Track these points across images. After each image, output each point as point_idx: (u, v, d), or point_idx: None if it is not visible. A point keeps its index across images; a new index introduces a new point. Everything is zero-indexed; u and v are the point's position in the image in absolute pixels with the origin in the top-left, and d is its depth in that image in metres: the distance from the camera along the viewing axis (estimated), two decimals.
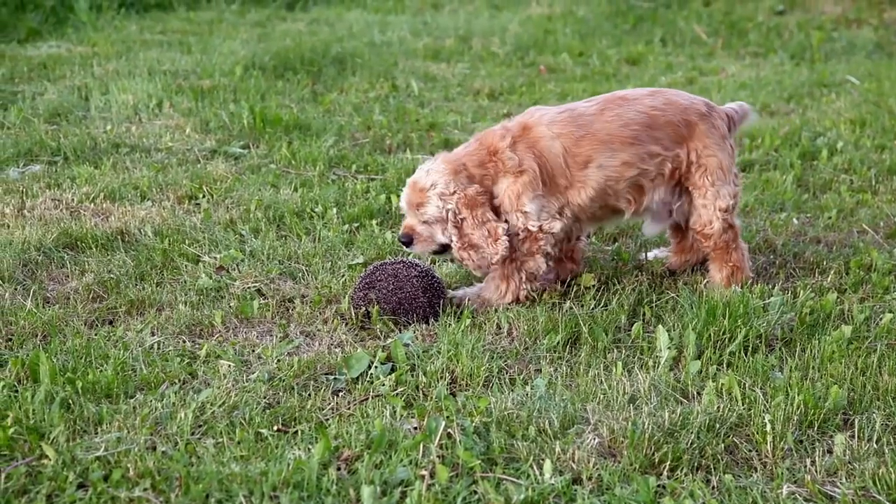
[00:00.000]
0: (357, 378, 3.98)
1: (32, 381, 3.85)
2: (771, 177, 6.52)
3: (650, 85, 9.51)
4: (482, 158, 4.62)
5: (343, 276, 4.90)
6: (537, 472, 3.32)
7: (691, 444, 3.47)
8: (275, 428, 3.59)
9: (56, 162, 6.60)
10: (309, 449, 3.44)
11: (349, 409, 3.77)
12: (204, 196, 5.99)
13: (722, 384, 3.85)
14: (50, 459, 3.33)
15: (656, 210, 4.83)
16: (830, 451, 3.52)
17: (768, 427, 3.53)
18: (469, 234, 4.55)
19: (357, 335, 4.38)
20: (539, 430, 3.55)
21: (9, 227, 5.39)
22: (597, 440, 3.51)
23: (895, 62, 10.48)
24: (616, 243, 5.49)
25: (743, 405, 3.72)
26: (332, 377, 4.00)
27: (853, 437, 3.57)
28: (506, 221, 4.60)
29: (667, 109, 4.70)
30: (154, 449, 3.43)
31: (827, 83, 9.35)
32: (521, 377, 4.01)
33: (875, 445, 3.52)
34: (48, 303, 4.62)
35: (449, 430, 3.51)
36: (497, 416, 3.62)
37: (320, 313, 4.56)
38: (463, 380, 3.99)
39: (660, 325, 4.26)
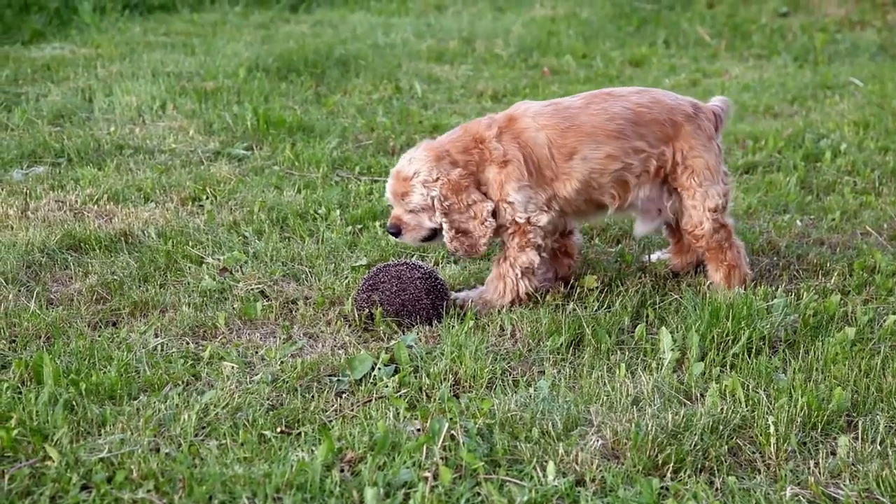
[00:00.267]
0: (360, 380, 3.98)
1: (36, 383, 3.86)
2: (774, 178, 6.52)
3: (654, 87, 9.50)
4: (467, 145, 4.64)
5: (346, 277, 4.90)
6: (540, 474, 3.32)
7: (695, 445, 3.47)
8: (278, 430, 3.59)
9: (60, 163, 6.61)
10: (312, 450, 3.44)
11: (352, 410, 3.77)
12: (207, 198, 5.99)
13: (725, 386, 3.85)
14: (53, 461, 3.34)
15: (643, 208, 4.84)
16: (834, 453, 3.52)
17: (772, 429, 3.52)
18: (457, 218, 4.56)
19: (360, 337, 4.39)
20: (542, 432, 3.55)
21: (12, 228, 5.40)
22: (600, 442, 3.51)
23: None
24: (619, 245, 5.48)
25: (746, 407, 3.72)
26: (336, 379, 4.00)
27: (857, 438, 3.57)
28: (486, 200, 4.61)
29: (653, 107, 4.72)
30: (157, 450, 3.44)
31: (830, 85, 9.35)
32: (525, 379, 4.01)
33: (879, 447, 3.51)
34: (52, 304, 4.62)
35: (452, 431, 3.51)
36: (500, 417, 3.62)
37: (324, 315, 4.56)
38: (466, 381, 3.99)
39: (663, 327, 4.26)
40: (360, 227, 5.58)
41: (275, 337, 4.38)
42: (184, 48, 10.42)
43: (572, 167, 4.62)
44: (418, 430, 3.61)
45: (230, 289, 4.78)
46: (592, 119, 4.64)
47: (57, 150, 6.77)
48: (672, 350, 4.11)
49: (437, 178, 4.53)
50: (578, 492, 3.26)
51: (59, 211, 5.70)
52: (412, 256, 5.10)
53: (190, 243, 5.26)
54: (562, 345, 4.25)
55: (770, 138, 7.28)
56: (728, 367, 4.09)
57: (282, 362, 4.11)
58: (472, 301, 4.67)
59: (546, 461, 3.37)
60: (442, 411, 3.71)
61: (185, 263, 5.02)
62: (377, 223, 5.58)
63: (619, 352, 4.22)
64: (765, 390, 3.84)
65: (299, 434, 3.58)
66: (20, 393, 3.77)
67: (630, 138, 4.65)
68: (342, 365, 4.07)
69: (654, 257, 5.14)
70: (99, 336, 4.30)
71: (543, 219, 4.63)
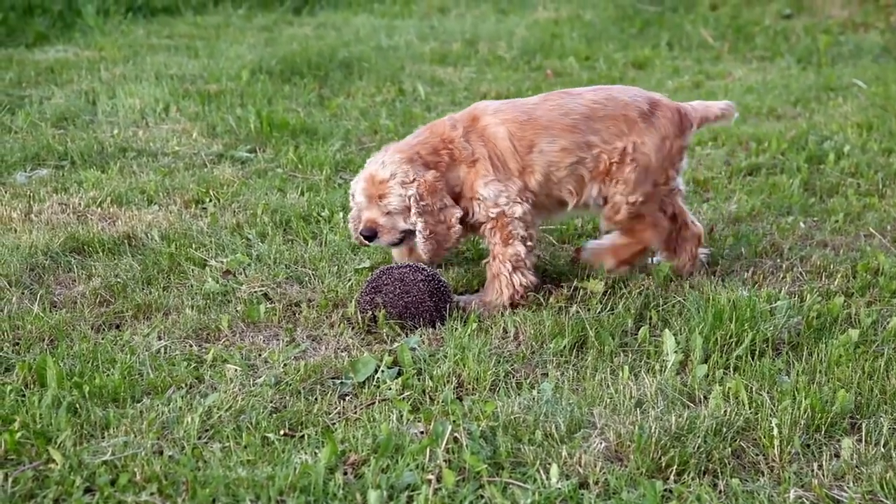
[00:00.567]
0: (363, 382, 3.99)
1: (39, 386, 3.86)
2: (778, 180, 6.51)
3: (657, 90, 9.50)
4: (435, 146, 4.70)
5: (349, 280, 4.90)
6: (544, 477, 3.32)
7: (698, 448, 3.47)
8: (281, 432, 3.59)
9: (63, 166, 6.61)
10: (315, 453, 3.44)
11: (356, 413, 3.77)
12: (211, 200, 6.00)
13: (729, 388, 3.85)
14: (57, 464, 3.34)
15: (594, 205, 4.93)
16: (838, 455, 3.51)
17: (775, 431, 3.52)
18: (430, 220, 4.60)
19: (363, 339, 4.39)
20: (546, 435, 3.55)
21: (16, 231, 5.40)
22: (603, 444, 3.51)
23: None
24: None
25: (750, 409, 3.72)
26: (339, 381, 4.00)
27: (860, 441, 3.57)
28: (464, 209, 4.69)
29: (607, 104, 4.81)
30: (161, 453, 3.44)
31: (834, 87, 9.34)
32: (528, 381, 4.01)
33: (882, 449, 3.51)
34: (55, 307, 4.62)
35: (455, 434, 3.51)
36: (504, 420, 3.62)
37: (327, 317, 4.56)
38: (469, 384, 3.99)
39: (666, 329, 4.25)
40: None
41: (278, 339, 4.39)
42: (187, 51, 10.43)
43: (533, 160, 4.71)
44: (421, 432, 3.61)
45: (233, 291, 4.78)
46: (548, 114, 4.75)
47: (60, 153, 6.78)
48: (675, 352, 4.11)
49: (414, 180, 4.57)
50: (582, 494, 3.26)
51: (62, 213, 5.71)
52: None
53: (193, 246, 5.26)
54: (565, 347, 4.25)
55: (773, 140, 7.27)
56: (731, 369, 4.09)
57: (285, 365, 4.11)
58: (474, 304, 4.67)
59: (549, 464, 3.37)
60: (445, 414, 3.71)
61: (188, 266, 5.03)
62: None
63: (622, 354, 4.22)
64: (768, 392, 3.84)
65: (302, 437, 3.58)
66: (23, 396, 3.78)
67: (584, 133, 4.75)
68: (345, 367, 4.07)
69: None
70: (102, 339, 4.30)
71: (518, 209, 4.67)
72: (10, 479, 3.25)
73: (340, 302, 4.69)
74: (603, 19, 12.94)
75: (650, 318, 4.53)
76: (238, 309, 4.61)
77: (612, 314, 4.53)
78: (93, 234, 5.32)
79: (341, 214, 5.70)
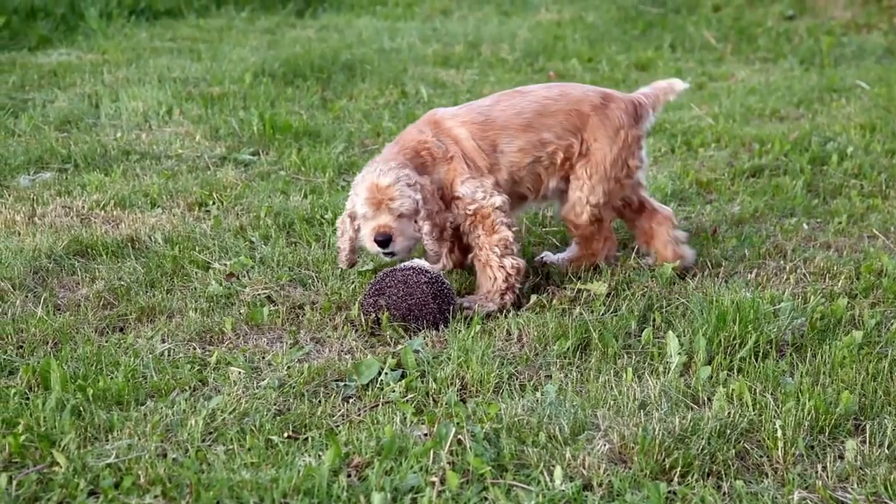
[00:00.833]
0: (367, 384, 3.99)
1: (43, 389, 3.86)
2: (781, 182, 6.51)
3: None
4: (415, 148, 4.72)
5: (353, 282, 4.90)
6: (548, 479, 3.32)
7: (702, 449, 3.47)
8: (285, 435, 3.59)
9: (66, 169, 6.62)
10: (319, 456, 3.45)
11: (359, 415, 3.77)
12: (214, 203, 6.00)
13: (732, 390, 3.85)
14: (61, 467, 3.34)
15: (552, 198, 5.04)
16: (842, 457, 3.51)
17: (779, 433, 3.52)
18: (436, 222, 4.63)
19: (367, 342, 4.39)
20: (549, 437, 3.55)
21: (20, 234, 5.41)
22: (607, 446, 3.51)
23: None
24: (626, 248, 5.48)
25: (754, 411, 3.72)
26: (343, 384, 4.00)
27: (864, 442, 3.57)
28: (448, 210, 4.74)
29: (559, 100, 4.87)
30: (165, 456, 3.44)
31: (837, 88, 9.33)
32: (532, 383, 4.00)
33: (887, 451, 3.51)
34: (59, 310, 4.63)
35: (459, 436, 3.51)
36: (507, 422, 3.62)
37: (330, 320, 4.57)
38: (473, 386, 3.99)
39: (670, 331, 4.25)
40: None
41: (281, 342, 4.39)
42: (190, 54, 10.44)
43: (498, 159, 4.79)
44: (425, 434, 3.61)
45: (237, 294, 4.79)
46: (503, 114, 4.82)
47: (64, 156, 6.79)
48: (679, 354, 4.11)
49: (416, 182, 4.57)
50: (586, 496, 3.26)
51: (66, 217, 5.72)
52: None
53: (196, 248, 5.27)
54: (568, 349, 4.25)
55: (776, 141, 7.27)
56: (735, 370, 4.08)
57: (288, 367, 4.11)
58: (478, 305, 4.67)
59: (553, 465, 3.37)
60: (449, 416, 3.71)
61: (191, 269, 5.03)
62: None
63: (625, 356, 4.22)
64: (772, 394, 3.84)
65: (306, 439, 3.58)
66: (28, 399, 3.78)
67: (538, 131, 4.81)
68: (349, 370, 4.07)
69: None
70: (106, 342, 4.31)
71: (497, 199, 4.71)
72: (15, 482, 3.26)
73: (344, 304, 4.70)
74: (605, 21, 12.94)
75: (654, 320, 4.53)
76: (241, 311, 4.61)
77: (616, 316, 4.53)
78: (96, 237, 5.32)
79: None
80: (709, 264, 5.18)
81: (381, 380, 3.99)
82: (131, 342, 4.30)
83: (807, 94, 9.07)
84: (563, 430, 3.58)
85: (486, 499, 3.25)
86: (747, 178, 6.71)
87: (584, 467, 3.38)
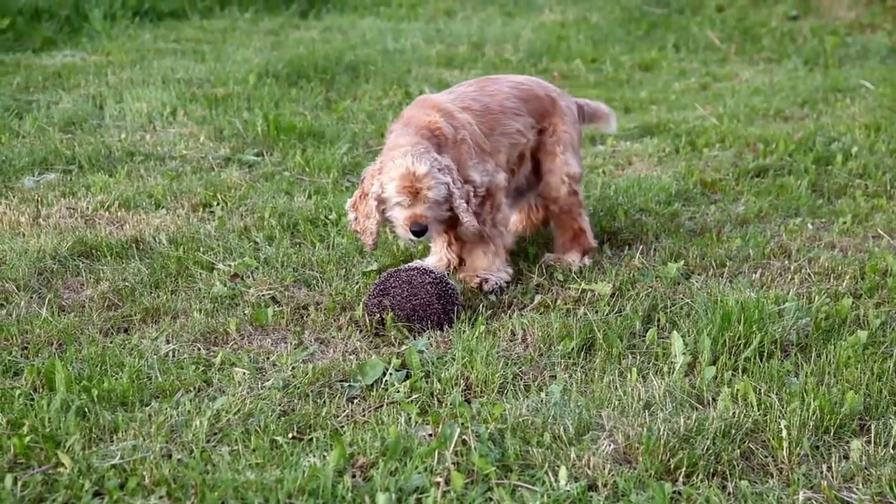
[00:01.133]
0: (372, 385, 3.99)
1: (48, 390, 3.87)
2: (785, 182, 6.50)
3: (664, 92, 9.50)
4: (430, 129, 4.75)
5: (357, 283, 4.90)
6: (552, 479, 3.32)
7: (707, 450, 3.46)
8: (290, 435, 3.59)
9: (71, 170, 6.62)
10: (324, 456, 3.45)
11: (364, 416, 3.77)
12: (218, 204, 6.01)
13: (737, 390, 3.84)
14: (66, 467, 3.34)
15: (519, 184, 5.21)
16: (847, 457, 3.51)
17: (784, 433, 3.52)
18: (469, 199, 4.71)
19: (371, 342, 4.39)
20: (554, 437, 3.55)
21: (24, 235, 5.41)
22: (612, 446, 3.51)
23: None
24: (629, 248, 5.47)
25: (758, 411, 3.71)
26: (347, 384, 4.00)
27: (870, 442, 3.56)
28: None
29: (533, 85, 5.16)
30: (170, 457, 3.44)
31: (841, 88, 9.32)
32: (536, 383, 4.00)
33: (892, 451, 3.50)
34: (63, 311, 4.63)
35: (464, 436, 3.51)
36: (512, 422, 3.62)
37: (335, 320, 4.57)
38: (477, 386, 3.99)
39: (674, 331, 4.25)
40: None
41: (286, 342, 4.39)
42: (194, 55, 10.45)
43: (497, 141, 4.94)
44: (430, 435, 3.61)
45: (241, 295, 4.79)
46: (492, 99, 4.98)
47: (68, 157, 6.79)
48: (683, 354, 4.10)
49: (445, 166, 4.63)
50: (590, 497, 3.25)
51: (70, 218, 5.72)
52: (422, 260, 5.09)
53: (201, 249, 5.27)
54: (573, 349, 4.25)
55: (781, 142, 7.26)
56: (740, 371, 4.08)
57: (293, 368, 4.11)
58: (493, 279, 4.84)
59: (558, 466, 3.37)
60: (453, 416, 3.70)
61: (196, 270, 5.03)
62: (387, 228, 5.57)
63: (630, 356, 4.22)
64: (777, 394, 3.83)
65: (311, 440, 3.58)
66: (32, 400, 3.78)
67: (524, 115, 5.04)
68: (353, 370, 4.07)
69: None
70: (111, 342, 4.31)
71: (501, 177, 4.91)
72: (20, 483, 3.26)
73: (348, 305, 4.70)
74: (609, 21, 12.93)
75: (658, 320, 4.53)
76: (246, 312, 4.61)
77: (620, 316, 4.53)
78: (101, 238, 5.33)
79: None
80: (713, 264, 5.17)
81: (386, 380, 4.00)
82: (136, 343, 4.30)
83: (811, 95, 9.06)
84: (567, 431, 3.58)
85: (490, 499, 3.25)
86: (752, 178, 6.70)
87: (588, 468, 3.38)
